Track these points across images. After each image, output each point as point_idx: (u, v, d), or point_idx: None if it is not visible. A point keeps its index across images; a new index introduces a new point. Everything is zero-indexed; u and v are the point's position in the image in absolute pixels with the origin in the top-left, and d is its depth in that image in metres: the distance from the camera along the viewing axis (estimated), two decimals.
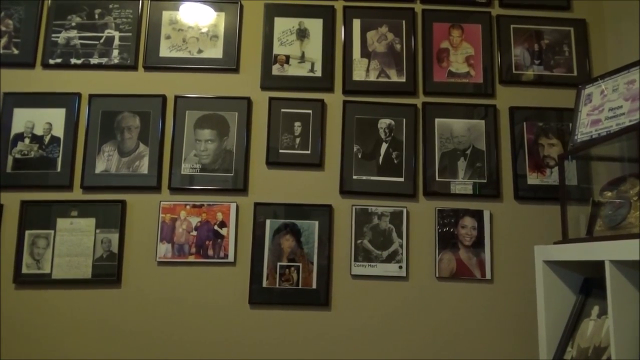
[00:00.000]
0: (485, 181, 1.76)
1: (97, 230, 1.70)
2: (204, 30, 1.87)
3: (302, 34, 1.88)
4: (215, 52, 1.86)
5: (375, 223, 1.72)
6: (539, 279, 1.41)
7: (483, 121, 1.81)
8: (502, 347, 1.67)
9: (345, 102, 1.82)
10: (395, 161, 1.77)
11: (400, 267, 1.70)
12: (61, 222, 1.70)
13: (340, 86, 1.84)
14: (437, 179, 1.77)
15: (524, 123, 1.81)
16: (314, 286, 1.68)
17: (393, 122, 1.80)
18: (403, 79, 1.85)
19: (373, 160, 1.78)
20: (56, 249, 1.68)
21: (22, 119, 1.78)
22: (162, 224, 1.72)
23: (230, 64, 1.85)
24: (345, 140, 1.79)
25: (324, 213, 1.73)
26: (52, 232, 1.70)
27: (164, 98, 1.81)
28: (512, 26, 1.90)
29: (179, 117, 1.79)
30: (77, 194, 1.74)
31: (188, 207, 1.73)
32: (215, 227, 1.72)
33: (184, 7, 1.88)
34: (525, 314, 1.68)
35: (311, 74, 1.85)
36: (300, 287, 1.68)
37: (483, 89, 1.84)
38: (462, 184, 1.76)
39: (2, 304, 1.68)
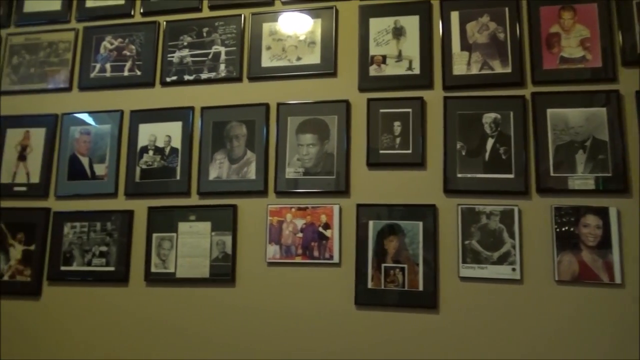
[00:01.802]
0: (609, 175, 1.60)
1: (213, 233, 1.83)
2: (302, 37, 1.93)
3: (398, 33, 1.86)
4: (313, 58, 1.91)
5: (484, 223, 1.64)
6: None
7: (604, 109, 1.64)
8: None
9: (446, 98, 1.76)
10: (504, 157, 1.68)
11: (514, 270, 1.60)
12: (182, 226, 1.86)
13: (439, 82, 1.79)
14: (551, 174, 1.64)
15: None
16: (421, 288, 1.65)
17: (499, 116, 1.71)
18: (508, 70, 1.74)
19: (479, 157, 1.70)
20: (179, 250, 1.85)
21: (146, 133, 1.97)
22: (269, 227, 1.80)
23: (328, 68, 1.88)
24: (447, 138, 1.73)
25: (428, 213, 1.69)
26: (174, 235, 1.86)
27: (267, 106, 1.89)
28: (634, 1, 1.70)
29: (282, 124, 1.87)
30: (194, 199, 1.89)
31: (293, 209, 1.79)
32: (320, 229, 1.76)
33: (282, 18, 1.96)
34: None
35: (409, 72, 1.82)
36: (406, 288, 1.66)
37: (603, 74, 1.67)
38: (582, 179, 1.61)
39: (135, 299, 1.87)
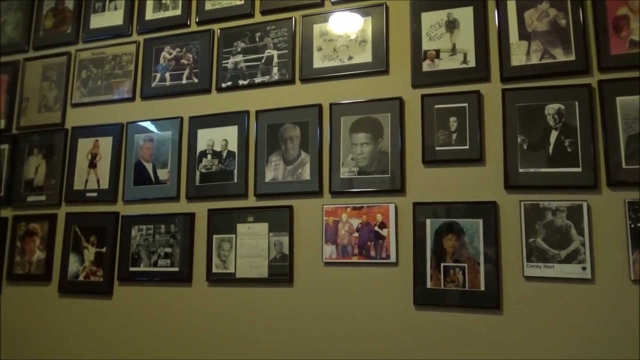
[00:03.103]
0: None
1: (270, 234, 1.87)
2: (353, 36, 1.92)
3: (451, 26, 1.81)
4: (365, 56, 1.90)
5: (550, 219, 1.56)
6: None
7: None
8: None
9: (504, 91, 1.69)
10: (569, 149, 1.59)
11: (584, 269, 1.51)
12: (240, 227, 1.91)
13: (497, 74, 1.73)
14: (624, 166, 1.53)
15: None
16: (482, 288, 1.60)
17: (563, 107, 1.62)
18: (572, 57, 1.65)
19: (541, 150, 1.62)
20: (238, 251, 1.90)
21: (204, 138, 2.04)
22: (325, 227, 1.81)
23: (379, 66, 1.86)
24: (507, 132, 1.67)
25: (488, 210, 1.63)
26: (233, 236, 1.92)
27: (319, 107, 1.90)
28: None
29: (335, 124, 1.87)
30: (251, 201, 1.94)
31: (349, 209, 1.79)
32: (376, 228, 1.75)
33: (333, 18, 1.96)
34: None
35: (464, 66, 1.77)
36: (467, 288, 1.61)
37: None
38: None
39: (198, 299, 1.94)
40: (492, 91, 1.72)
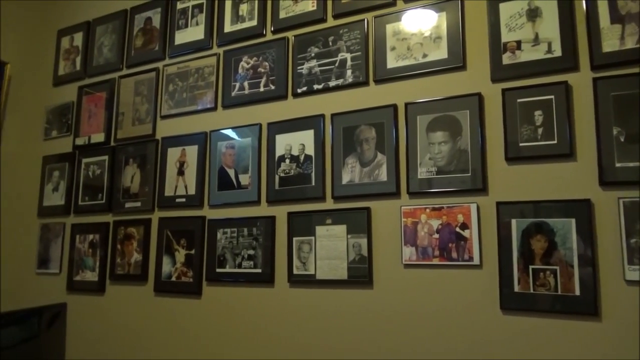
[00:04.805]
0: None
1: (349, 236, 1.88)
2: (427, 34, 1.89)
3: (533, 14, 1.72)
4: (440, 53, 1.85)
5: None
6: None
7: None
8: None
9: (595, 80, 1.57)
10: None
11: None
12: (319, 230, 1.94)
13: (586, 63, 1.61)
14: None
15: None
16: (577, 292, 1.49)
17: None
18: None
19: None
20: (317, 253, 1.93)
21: (282, 143, 2.10)
22: (404, 228, 1.79)
23: (456, 62, 1.81)
24: (600, 123, 1.54)
25: (581, 209, 1.52)
26: (312, 238, 1.95)
27: (394, 107, 1.89)
28: None
29: (411, 123, 1.85)
30: (329, 203, 1.96)
31: (428, 210, 1.76)
32: (457, 229, 1.70)
33: (406, 16, 1.93)
34: None
35: (549, 56, 1.67)
36: (559, 292, 1.51)
37: None
38: None
39: (280, 300, 2.00)
40: (581, 81, 1.60)
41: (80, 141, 2.73)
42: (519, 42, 1.72)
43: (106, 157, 2.60)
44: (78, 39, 2.89)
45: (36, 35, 3.02)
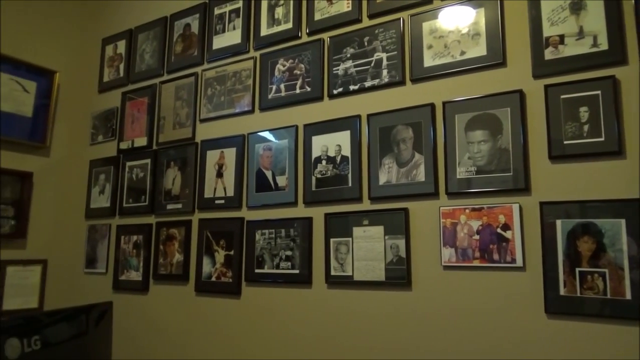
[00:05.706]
0: None
1: (386, 237, 1.87)
2: (465, 31, 1.85)
3: (576, 7, 1.65)
4: (479, 50, 1.81)
5: None
6: None
7: None
8: None
9: None
10: None
11: None
12: (356, 231, 1.94)
13: (636, 56, 1.53)
14: None
15: None
16: (628, 297, 1.42)
17: None
18: None
19: None
20: (355, 254, 1.93)
21: (319, 144, 2.11)
22: (443, 229, 1.76)
23: (496, 58, 1.77)
24: None
25: (632, 209, 1.45)
26: (349, 239, 1.95)
27: (432, 106, 1.86)
28: None
29: (449, 122, 1.81)
30: (366, 204, 1.95)
31: (467, 210, 1.72)
32: (499, 230, 1.65)
33: (442, 14, 1.90)
34: None
35: (594, 49, 1.60)
36: (609, 296, 1.45)
37: None
38: None
39: (318, 301, 2.01)
40: (631, 75, 1.53)
41: (124, 145, 2.84)
42: (562, 37, 1.66)
43: (148, 161, 2.69)
44: (121, 46, 3.01)
45: (82, 45, 3.16)
